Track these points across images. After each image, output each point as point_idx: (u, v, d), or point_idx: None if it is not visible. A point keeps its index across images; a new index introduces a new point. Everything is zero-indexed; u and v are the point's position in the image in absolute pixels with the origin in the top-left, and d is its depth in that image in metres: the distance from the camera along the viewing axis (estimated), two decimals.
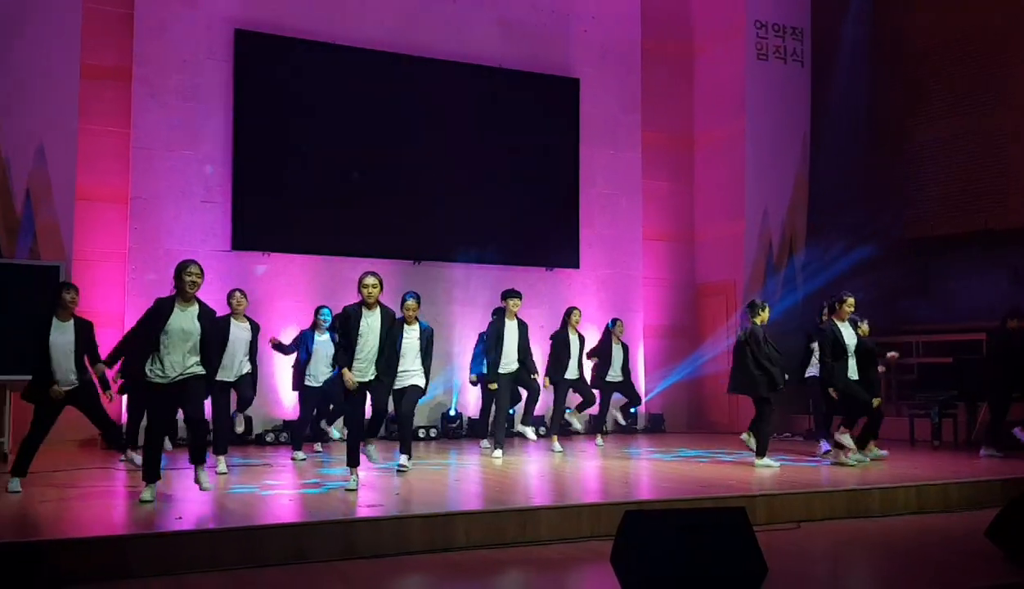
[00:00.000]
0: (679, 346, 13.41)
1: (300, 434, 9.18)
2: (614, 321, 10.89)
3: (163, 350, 6.16)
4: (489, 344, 9.32)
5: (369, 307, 6.93)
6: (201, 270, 6.35)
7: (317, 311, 9.32)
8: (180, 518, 5.68)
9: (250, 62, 11.13)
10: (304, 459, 8.84)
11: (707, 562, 4.20)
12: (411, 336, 7.88)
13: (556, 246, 12.61)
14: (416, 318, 7.97)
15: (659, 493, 6.98)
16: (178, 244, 10.73)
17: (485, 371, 9.39)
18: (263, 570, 5.02)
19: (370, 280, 6.95)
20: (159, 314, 6.22)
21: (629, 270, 13.19)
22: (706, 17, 13.78)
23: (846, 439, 8.42)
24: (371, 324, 6.90)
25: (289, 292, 11.24)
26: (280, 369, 11.01)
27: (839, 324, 8.60)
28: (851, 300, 8.64)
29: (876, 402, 8.67)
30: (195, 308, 6.30)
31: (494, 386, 9.26)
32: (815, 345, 9.29)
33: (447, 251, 11.98)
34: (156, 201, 10.73)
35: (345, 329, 6.90)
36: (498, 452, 9.13)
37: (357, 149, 11.55)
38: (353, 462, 6.84)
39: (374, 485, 7.11)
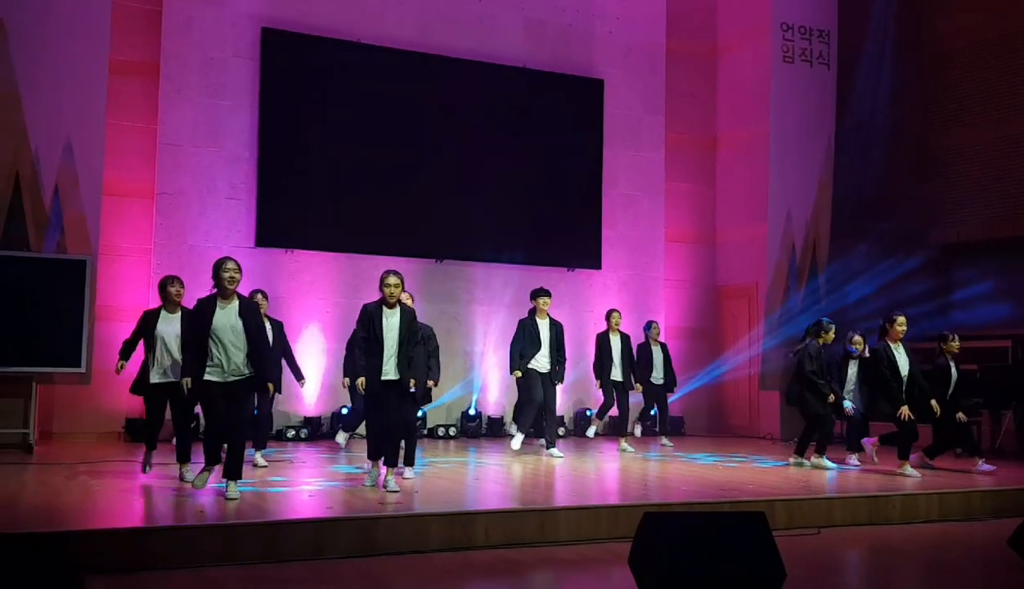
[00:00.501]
0: (700, 348, 13.36)
1: (354, 425, 9.54)
2: (649, 323, 10.95)
3: (215, 350, 6.18)
4: (517, 337, 9.37)
5: (390, 306, 6.91)
6: (238, 265, 6.38)
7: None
8: (202, 511, 5.73)
9: (276, 60, 11.20)
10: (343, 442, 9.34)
11: (725, 565, 4.19)
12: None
13: (578, 246, 12.60)
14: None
15: (678, 496, 6.96)
16: (203, 240, 10.82)
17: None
18: (282, 565, 5.06)
19: (392, 279, 6.85)
20: (202, 315, 6.24)
21: (651, 271, 13.16)
22: (731, 18, 13.72)
23: (908, 469, 8.14)
24: (391, 323, 6.87)
25: (312, 290, 11.30)
26: (303, 365, 11.06)
27: (892, 346, 8.35)
28: (902, 319, 8.40)
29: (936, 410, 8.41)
30: (235, 304, 6.32)
31: (518, 374, 9.28)
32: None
33: (469, 250, 12.01)
34: (182, 197, 10.82)
35: (366, 328, 6.87)
36: (519, 437, 9.32)
37: (380, 148, 11.59)
38: (390, 462, 6.79)
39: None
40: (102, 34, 10.21)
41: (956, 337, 8.86)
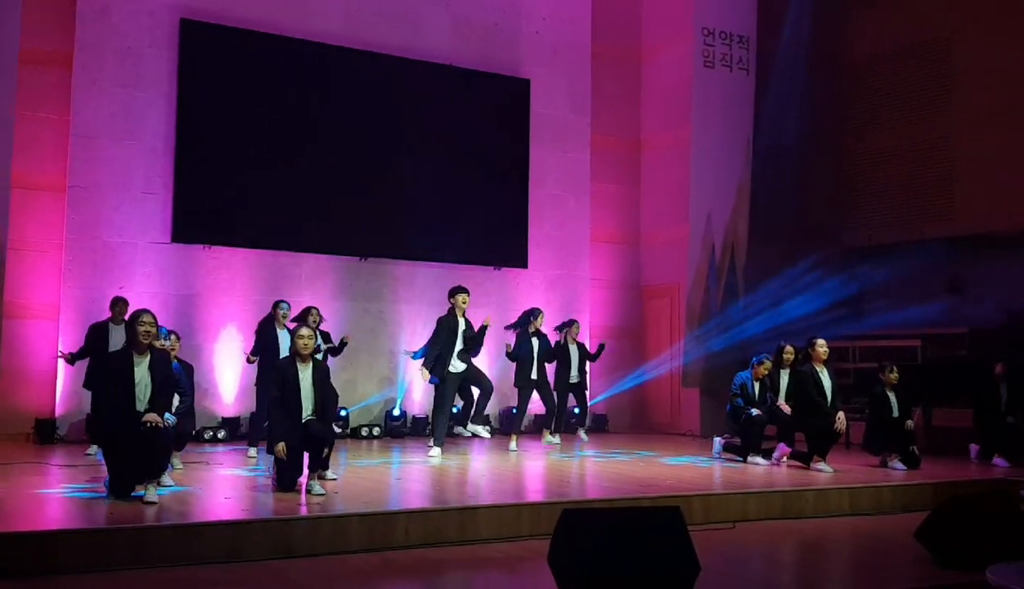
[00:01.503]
0: (624, 347, 13.50)
1: (258, 431, 9.05)
2: (569, 322, 11.00)
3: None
4: (438, 336, 9.14)
5: (303, 360, 6.82)
6: (155, 319, 6.31)
7: (276, 305, 9.15)
8: (113, 514, 5.57)
9: (196, 52, 10.94)
10: (255, 457, 8.69)
11: (642, 561, 4.24)
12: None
13: (504, 245, 12.62)
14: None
15: (599, 492, 7.03)
16: (117, 235, 10.51)
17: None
18: (197, 568, 4.95)
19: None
20: (119, 371, 6.16)
21: (576, 271, 13.26)
22: (655, 22, 13.90)
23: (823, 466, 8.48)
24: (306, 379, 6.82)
25: (231, 287, 11.07)
26: (221, 364, 10.87)
27: (816, 367, 8.75)
28: (822, 341, 8.80)
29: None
30: (147, 359, 6.23)
31: (427, 375, 9.09)
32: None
33: (394, 248, 11.92)
34: (95, 191, 10.49)
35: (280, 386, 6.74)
36: (436, 450, 9.07)
37: (303, 143, 11.42)
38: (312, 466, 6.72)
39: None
40: (12, 21, 9.82)
41: (895, 369, 9.18)
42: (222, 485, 7.14)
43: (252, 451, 8.82)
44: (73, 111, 10.46)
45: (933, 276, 12.61)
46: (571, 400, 11.08)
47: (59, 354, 9.35)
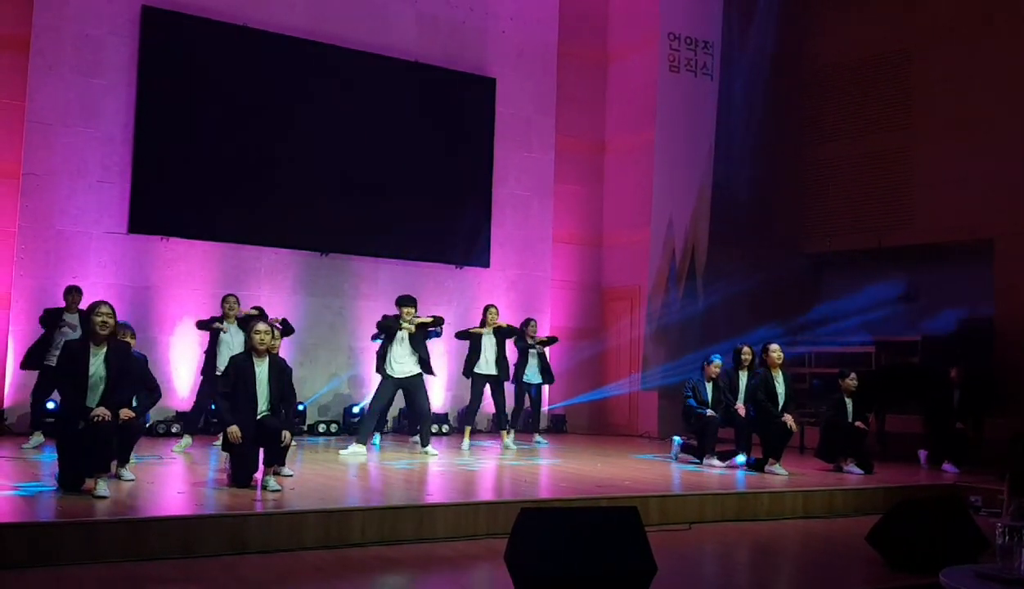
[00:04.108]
0: (584, 348, 13.55)
1: (195, 423, 8.95)
2: (527, 321, 10.99)
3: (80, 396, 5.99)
4: (383, 332, 9.31)
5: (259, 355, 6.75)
6: (113, 311, 6.20)
7: (224, 300, 9.05)
8: (61, 507, 5.46)
9: (156, 40, 10.77)
10: (185, 447, 8.60)
11: (598, 560, 4.24)
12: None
13: (467, 244, 12.59)
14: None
15: (556, 492, 7.03)
16: (72, 224, 10.32)
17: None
18: (146, 564, 4.86)
19: (262, 326, 6.82)
20: (73, 360, 6.05)
21: (538, 271, 13.27)
22: (622, 25, 13.97)
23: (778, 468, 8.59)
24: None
25: (188, 280, 10.91)
26: (176, 358, 10.71)
27: (772, 372, 8.86)
28: (775, 346, 8.91)
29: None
30: (104, 350, 6.12)
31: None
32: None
33: (356, 244, 11.84)
34: (50, 178, 10.28)
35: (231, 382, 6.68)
36: (360, 448, 8.88)
37: (265, 136, 11.30)
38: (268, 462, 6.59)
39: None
40: None
41: (854, 376, 9.31)
42: (175, 480, 7.03)
43: (188, 441, 8.72)
44: (29, 97, 10.24)
45: (889, 284, 12.81)
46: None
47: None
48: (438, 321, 9.66)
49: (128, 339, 7.57)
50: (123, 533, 5.02)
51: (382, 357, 9.24)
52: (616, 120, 13.93)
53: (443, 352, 11.66)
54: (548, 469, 8.61)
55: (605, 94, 14.10)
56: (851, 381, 9.27)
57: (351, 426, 11.39)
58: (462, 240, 12.54)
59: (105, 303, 6.24)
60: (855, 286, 13.13)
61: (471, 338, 10.21)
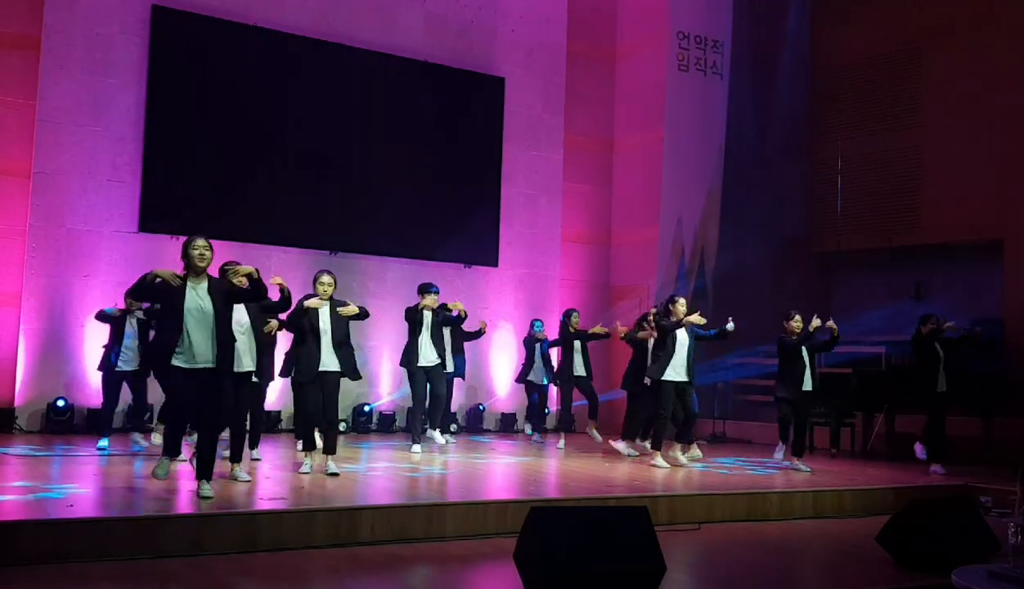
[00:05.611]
0: (592, 347, 13.47)
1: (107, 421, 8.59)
2: (569, 313, 10.85)
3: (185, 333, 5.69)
4: (412, 326, 9.26)
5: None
6: (208, 243, 5.95)
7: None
8: (71, 506, 5.48)
9: (167, 39, 10.80)
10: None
11: (608, 559, 4.24)
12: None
13: (475, 243, 12.59)
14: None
15: (566, 492, 7.03)
16: (82, 223, 10.35)
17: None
18: (158, 561, 4.88)
19: (326, 278, 7.25)
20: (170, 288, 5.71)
21: (546, 270, 13.27)
22: (631, 24, 13.94)
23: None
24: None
25: None
26: None
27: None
28: (682, 299, 8.97)
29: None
30: (205, 284, 5.88)
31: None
32: None
33: (365, 243, 11.85)
34: (60, 177, 10.32)
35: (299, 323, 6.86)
36: (416, 447, 9.05)
37: (275, 135, 11.32)
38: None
39: (279, 478, 6.99)
40: None
41: (799, 317, 9.03)
42: (188, 476, 7.04)
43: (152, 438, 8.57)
44: (40, 96, 10.28)
45: (898, 283, 12.76)
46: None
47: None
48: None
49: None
50: (134, 530, 5.04)
51: (412, 350, 9.18)
52: (625, 119, 13.91)
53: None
54: (558, 468, 8.60)
55: (614, 93, 14.08)
56: (795, 323, 8.93)
57: (360, 425, 11.42)
58: (471, 239, 12.54)
59: (200, 237, 5.96)
60: (865, 286, 13.08)
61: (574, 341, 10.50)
